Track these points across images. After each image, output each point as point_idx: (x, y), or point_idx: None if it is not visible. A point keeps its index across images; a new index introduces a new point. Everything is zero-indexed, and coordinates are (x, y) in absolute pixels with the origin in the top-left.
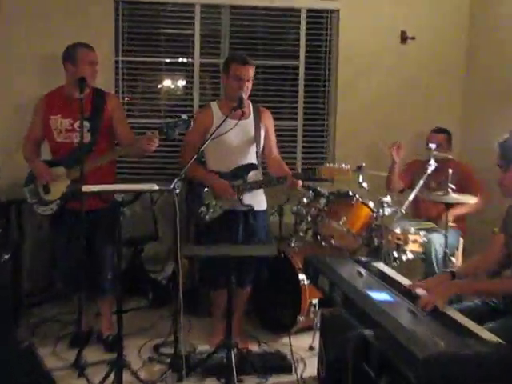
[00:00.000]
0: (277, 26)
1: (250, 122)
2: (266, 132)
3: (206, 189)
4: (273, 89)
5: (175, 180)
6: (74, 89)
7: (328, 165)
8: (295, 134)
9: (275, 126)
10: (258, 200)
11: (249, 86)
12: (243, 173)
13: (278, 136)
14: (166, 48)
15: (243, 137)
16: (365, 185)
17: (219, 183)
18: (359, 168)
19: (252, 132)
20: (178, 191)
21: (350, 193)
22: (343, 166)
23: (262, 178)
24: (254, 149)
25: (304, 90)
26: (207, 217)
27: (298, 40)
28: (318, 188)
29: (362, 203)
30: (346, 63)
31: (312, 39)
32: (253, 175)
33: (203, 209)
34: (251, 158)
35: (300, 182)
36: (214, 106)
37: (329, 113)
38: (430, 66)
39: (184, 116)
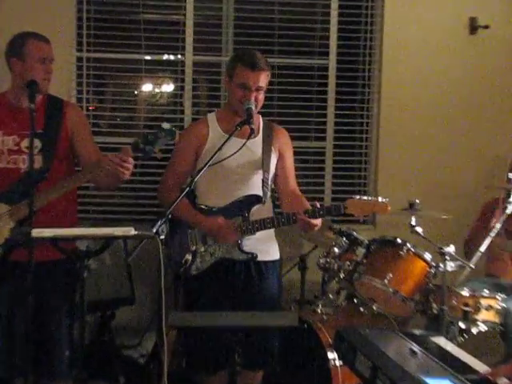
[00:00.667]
0: (298, 12)
1: (257, 141)
2: (281, 158)
3: (189, 230)
4: (292, 97)
5: (159, 222)
6: (20, 95)
7: (357, 198)
8: (323, 158)
9: (295, 148)
10: (266, 246)
11: (259, 97)
12: (243, 208)
13: (299, 162)
14: (148, 41)
15: (247, 161)
16: (419, 229)
17: (211, 222)
18: (411, 206)
19: (259, 154)
20: (162, 237)
21: (399, 240)
22: (380, 199)
23: (270, 216)
24: (259, 176)
25: (335, 100)
26: (193, 268)
27: (328, 32)
28: (355, 233)
29: (416, 255)
30: (393, 64)
31: (346, 31)
32: (257, 211)
33: (188, 257)
34: (255, 188)
35: (316, 222)
36: (212, 119)
37: (369, 131)
38: (508, 65)
39: (165, 124)
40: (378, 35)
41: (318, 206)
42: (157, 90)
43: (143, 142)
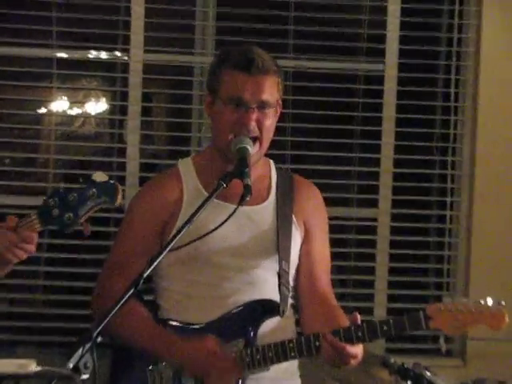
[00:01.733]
0: None
1: (267, 208)
2: (308, 237)
3: (150, 367)
4: (317, 129)
5: (80, 349)
6: None
7: (448, 302)
8: (371, 238)
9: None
10: None
11: (265, 122)
12: (247, 323)
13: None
14: (62, 27)
15: (249, 241)
16: None
17: (194, 348)
18: None
19: (270, 230)
20: (86, 377)
21: None
22: (490, 303)
23: (291, 338)
24: (273, 268)
25: (395, 133)
26: None
27: (384, 28)
28: (429, 374)
29: None
30: (492, 81)
31: (414, 26)
32: (270, 330)
33: None
34: (266, 288)
35: (355, 350)
36: (187, 169)
37: (455, 190)
38: None
39: (98, 175)
40: (472, 36)
41: (359, 321)
42: (77, 111)
43: (59, 205)
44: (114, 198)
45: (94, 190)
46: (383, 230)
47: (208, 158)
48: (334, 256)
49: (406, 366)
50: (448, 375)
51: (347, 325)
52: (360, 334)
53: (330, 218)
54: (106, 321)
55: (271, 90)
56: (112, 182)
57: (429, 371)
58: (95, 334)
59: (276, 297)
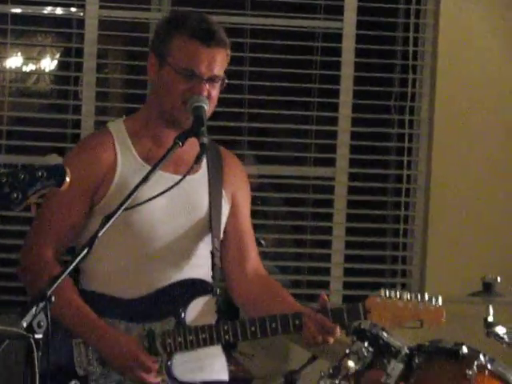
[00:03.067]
0: None
1: (199, 180)
2: (236, 209)
3: (76, 340)
4: (274, 88)
5: (33, 308)
6: None
7: (385, 295)
8: (328, 197)
9: (277, 177)
10: (211, 366)
11: (213, 93)
12: (177, 302)
13: (281, 202)
14: None
15: (182, 215)
16: (501, 330)
17: (127, 349)
18: (487, 288)
19: (204, 203)
20: (39, 336)
21: (465, 349)
22: (426, 299)
23: (235, 320)
24: (205, 244)
25: (353, 92)
26: None
27: None
28: (385, 335)
29: (494, 376)
30: (451, 39)
31: None
32: (199, 309)
33: None
34: (198, 265)
35: (338, 329)
36: (120, 133)
37: (413, 150)
38: None
39: (52, 157)
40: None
41: (327, 304)
42: (32, 68)
43: (10, 183)
44: (61, 182)
45: (43, 171)
46: (340, 190)
47: (143, 120)
48: (292, 215)
49: (362, 326)
50: (405, 336)
51: (290, 297)
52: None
53: (288, 177)
54: (59, 281)
55: (222, 63)
56: (62, 166)
57: (385, 332)
58: (49, 293)
59: (208, 275)
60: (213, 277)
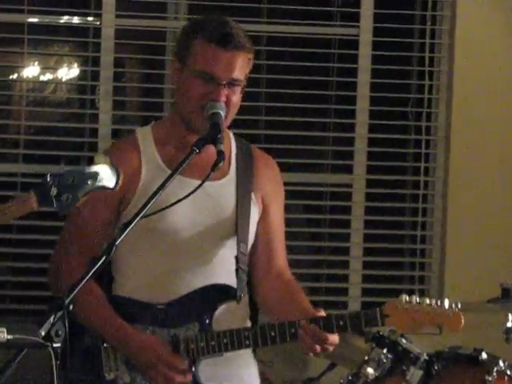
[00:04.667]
0: None
1: (226, 184)
2: (266, 212)
3: (105, 344)
4: (291, 96)
5: (52, 317)
6: None
7: (405, 300)
8: (346, 204)
9: (294, 185)
10: (239, 374)
11: (233, 98)
12: (202, 308)
13: (300, 210)
14: None
15: (208, 220)
16: None
17: (152, 349)
18: (505, 294)
19: (230, 208)
20: (58, 345)
21: (484, 355)
22: (446, 305)
23: (255, 326)
24: (231, 250)
25: (370, 98)
26: None
27: None
28: (404, 341)
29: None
30: (468, 45)
31: None
32: (225, 315)
33: None
34: (223, 271)
35: (334, 338)
36: (146, 139)
37: (429, 158)
38: None
39: (101, 156)
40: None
41: (323, 314)
42: (49, 77)
43: (58, 185)
44: (114, 182)
45: (94, 172)
46: (358, 196)
47: (168, 126)
48: (309, 223)
49: (381, 333)
50: (424, 342)
51: (307, 301)
52: (340, 323)
53: (305, 184)
54: (77, 289)
55: (243, 67)
56: (115, 167)
57: (404, 338)
58: (67, 302)
59: (233, 280)
60: (237, 283)
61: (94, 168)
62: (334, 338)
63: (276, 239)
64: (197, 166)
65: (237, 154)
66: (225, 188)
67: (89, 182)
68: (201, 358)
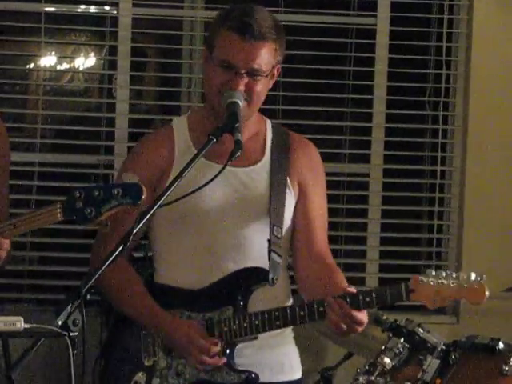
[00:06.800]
0: None
1: (260, 169)
2: (303, 197)
3: (144, 331)
4: (308, 85)
5: (69, 306)
6: None
7: (432, 275)
8: (362, 194)
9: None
10: (278, 358)
11: (255, 88)
12: (236, 291)
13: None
14: None
15: (240, 204)
16: None
17: (183, 333)
18: None
19: (262, 192)
20: (75, 334)
21: (502, 345)
22: (473, 277)
23: (286, 306)
24: (264, 233)
25: (387, 88)
26: None
27: None
28: (421, 331)
29: None
30: (486, 32)
31: None
32: (261, 298)
33: (139, 378)
34: (256, 254)
35: (362, 317)
36: (181, 127)
37: (447, 146)
38: None
39: (129, 175)
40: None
41: (353, 290)
42: (66, 66)
43: (83, 199)
44: (137, 199)
45: (119, 189)
46: (375, 186)
47: (202, 114)
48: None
49: (398, 323)
50: (441, 332)
51: (344, 283)
52: (367, 300)
53: None
54: (94, 278)
55: (265, 58)
56: (138, 184)
57: (421, 328)
58: (84, 291)
59: (265, 264)
60: (270, 266)
61: (121, 184)
62: (362, 316)
63: (315, 224)
64: (225, 151)
65: (272, 139)
66: (256, 173)
67: (115, 198)
68: (236, 342)
